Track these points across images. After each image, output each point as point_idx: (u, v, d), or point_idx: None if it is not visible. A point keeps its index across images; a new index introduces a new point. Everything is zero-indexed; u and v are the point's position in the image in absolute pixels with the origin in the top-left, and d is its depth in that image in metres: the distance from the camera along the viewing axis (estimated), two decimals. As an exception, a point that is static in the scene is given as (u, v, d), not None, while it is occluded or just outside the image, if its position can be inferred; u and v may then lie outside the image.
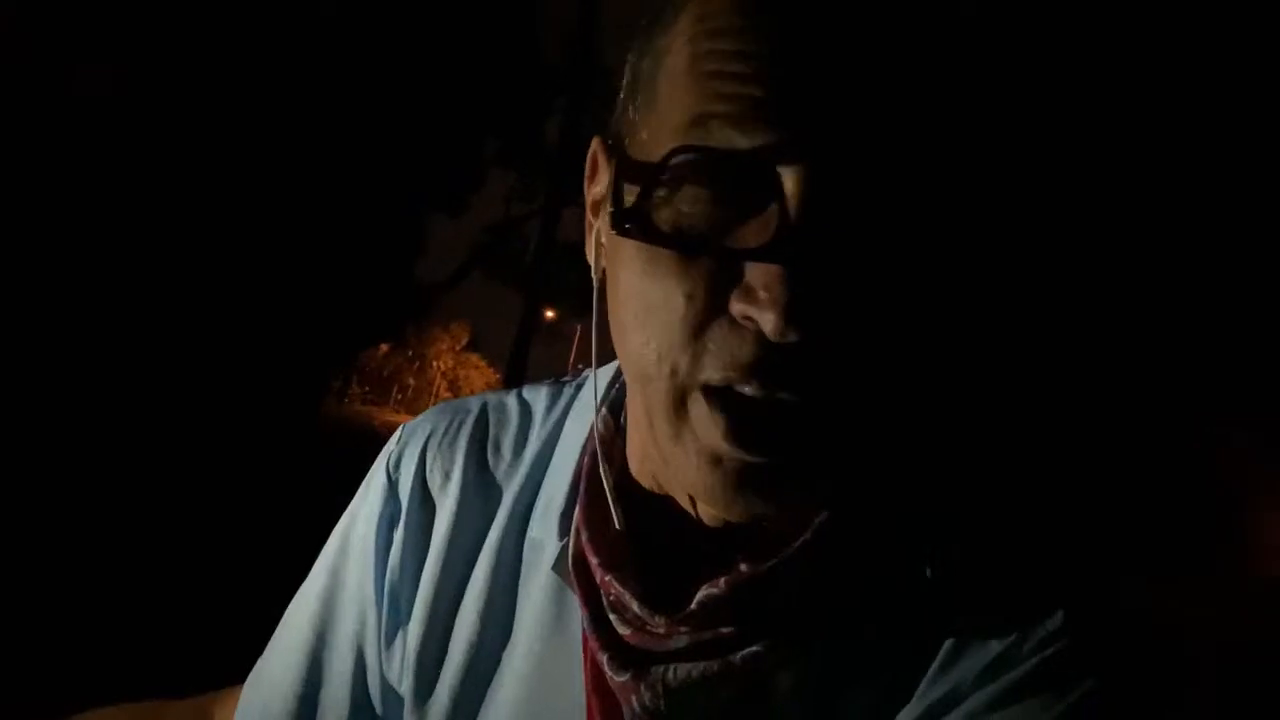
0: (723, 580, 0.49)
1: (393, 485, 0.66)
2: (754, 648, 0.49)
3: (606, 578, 0.53)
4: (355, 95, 7.19)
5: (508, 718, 0.58)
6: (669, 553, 0.53)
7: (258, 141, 6.59)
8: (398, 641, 0.64)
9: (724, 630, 0.49)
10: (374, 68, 7.28)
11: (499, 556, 0.61)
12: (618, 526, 0.55)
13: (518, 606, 0.60)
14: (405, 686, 0.63)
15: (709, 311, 0.45)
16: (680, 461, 0.47)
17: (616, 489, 0.56)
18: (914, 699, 0.49)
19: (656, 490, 0.56)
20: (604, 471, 0.56)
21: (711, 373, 0.45)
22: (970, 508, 0.54)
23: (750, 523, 0.50)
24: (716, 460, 0.46)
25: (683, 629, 0.50)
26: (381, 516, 0.66)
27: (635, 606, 0.51)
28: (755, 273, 0.43)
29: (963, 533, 0.52)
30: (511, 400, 0.68)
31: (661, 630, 0.50)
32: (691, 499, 0.53)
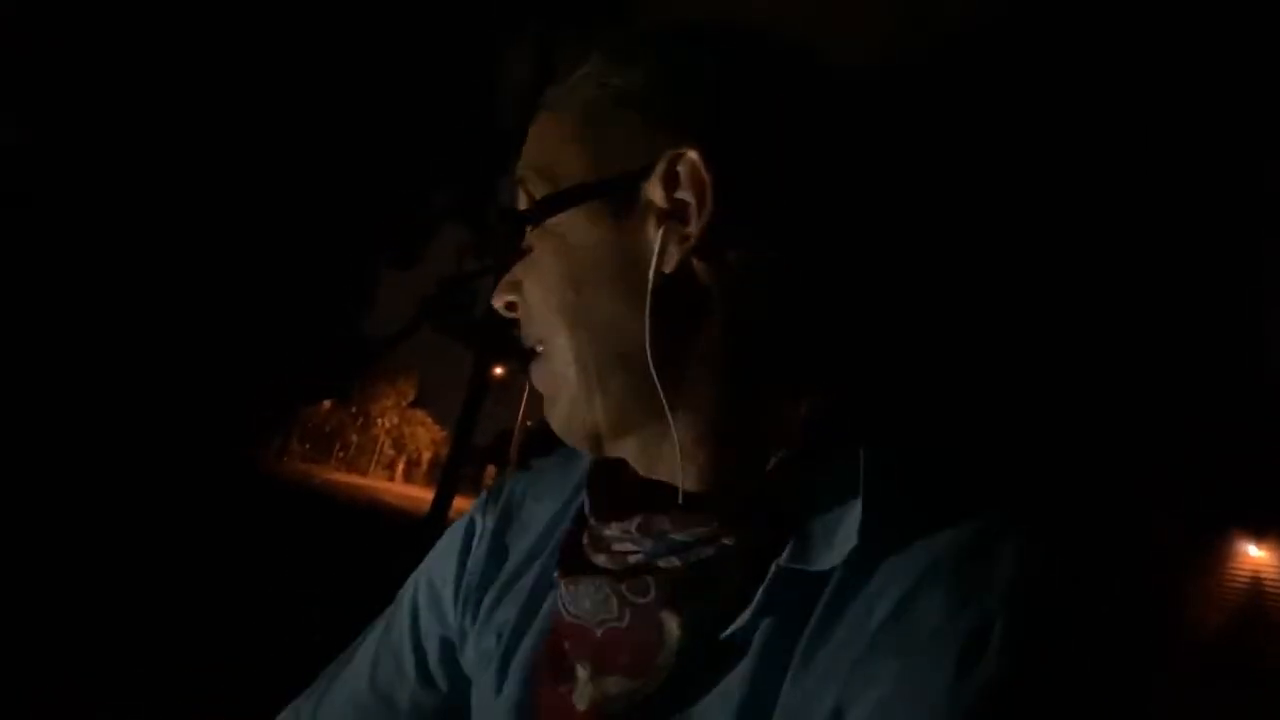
0: (640, 515, 0.56)
1: (473, 520, 0.73)
2: (645, 576, 0.54)
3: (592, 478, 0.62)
4: (306, 147, 7.13)
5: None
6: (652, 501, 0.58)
7: (206, 189, 6.47)
8: (468, 645, 0.69)
9: (630, 558, 0.56)
10: (327, 120, 7.24)
11: (557, 540, 0.66)
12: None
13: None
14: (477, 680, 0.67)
15: None
16: None
17: None
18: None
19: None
20: None
21: None
22: (926, 485, 0.54)
23: (715, 491, 0.56)
24: None
25: (609, 533, 0.58)
26: (457, 544, 0.72)
27: (586, 507, 0.60)
28: None
29: (905, 512, 0.52)
30: None
31: (601, 532, 0.58)
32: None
